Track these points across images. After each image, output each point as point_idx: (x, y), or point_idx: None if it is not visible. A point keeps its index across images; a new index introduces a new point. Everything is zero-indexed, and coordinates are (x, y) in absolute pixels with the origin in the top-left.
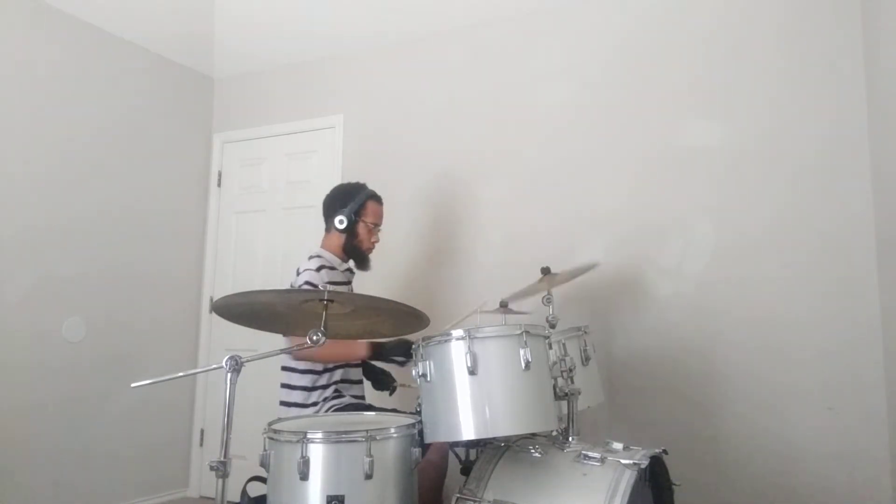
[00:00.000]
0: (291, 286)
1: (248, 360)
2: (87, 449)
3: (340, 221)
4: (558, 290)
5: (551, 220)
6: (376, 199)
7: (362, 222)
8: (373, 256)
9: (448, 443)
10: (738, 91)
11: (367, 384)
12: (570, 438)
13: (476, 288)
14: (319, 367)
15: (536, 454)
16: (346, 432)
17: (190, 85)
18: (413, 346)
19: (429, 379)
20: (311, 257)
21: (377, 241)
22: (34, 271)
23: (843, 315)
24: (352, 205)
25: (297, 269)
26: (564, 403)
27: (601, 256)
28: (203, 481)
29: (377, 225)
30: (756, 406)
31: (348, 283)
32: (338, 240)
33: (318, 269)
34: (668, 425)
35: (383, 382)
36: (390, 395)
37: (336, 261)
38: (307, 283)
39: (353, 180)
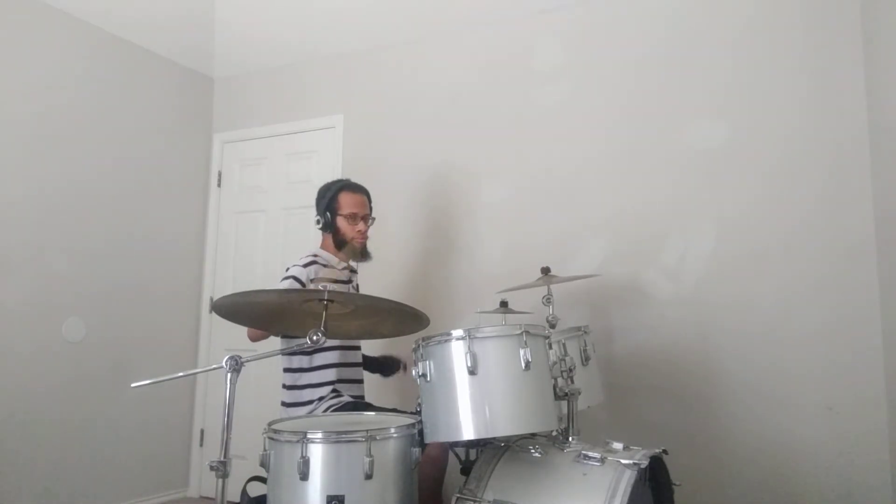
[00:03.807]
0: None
1: (248, 360)
2: (87, 449)
3: (318, 221)
4: (558, 290)
5: (552, 221)
6: (351, 188)
7: (339, 216)
8: (373, 252)
9: (448, 443)
10: (739, 95)
11: (368, 384)
12: (570, 438)
13: (476, 288)
14: (306, 364)
15: (536, 454)
16: (346, 432)
17: (190, 85)
18: (402, 363)
19: (429, 379)
20: (303, 256)
21: (363, 229)
22: (34, 272)
23: (842, 315)
24: (324, 202)
25: (287, 268)
26: (564, 403)
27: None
28: (203, 481)
29: (356, 214)
30: (756, 406)
31: (349, 282)
32: (329, 238)
33: (307, 265)
34: (668, 425)
35: (390, 367)
36: (405, 371)
37: (333, 260)
38: (293, 277)
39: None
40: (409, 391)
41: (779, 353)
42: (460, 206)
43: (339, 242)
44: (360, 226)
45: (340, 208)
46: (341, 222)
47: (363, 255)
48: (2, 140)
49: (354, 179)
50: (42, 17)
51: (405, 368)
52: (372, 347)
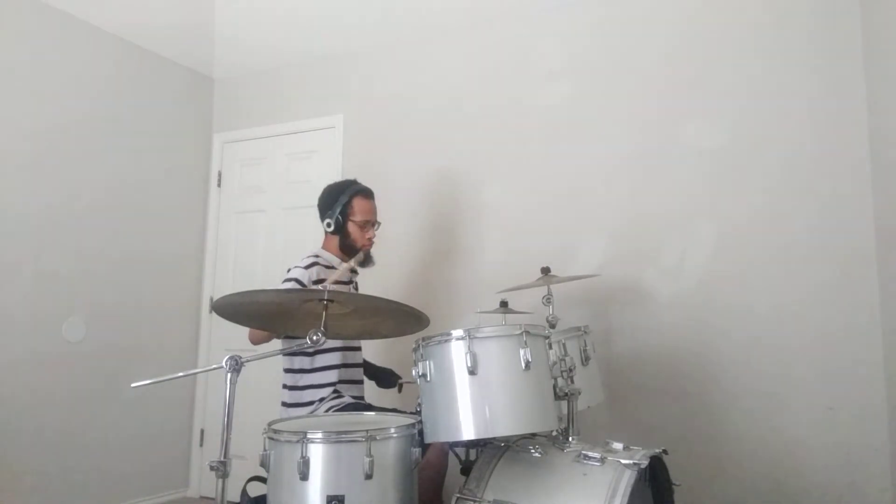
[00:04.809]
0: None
1: (248, 360)
2: (87, 449)
3: (328, 224)
4: (558, 290)
5: (551, 221)
6: (364, 194)
7: (351, 221)
8: (374, 255)
9: (448, 443)
10: (737, 90)
11: (368, 385)
12: (570, 438)
13: (476, 288)
14: (308, 365)
15: (536, 454)
16: (346, 432)
17: (190, 85)
18: (400, 381)
19: (429, 379)
20: (304, 257)
21: (372, 236)
22: (34, 272)
23: (842, 315)
24: (337, 206)
25: (288, 269)
26: (564, 403)
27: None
28: (203, 481)
29: (368, 221)
30: (756, 406)
31: (350, 282)
32: (334, 240)
33: (309, 266)
34: (668, 425)
35: (388, 380)
36: (399, 391)
37: (335, 260)
38: (294, 279)
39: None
40: (409, 391)
41: (779, 353)
42: (460, 205)
43: (346, 247)
44: (371, 233)
45: (353, 214)
46: (353, 228)
47: (368, 260)
48: (2, 141)
49: (357, 180)
50: (42, 18)
51: (400, 388)
52: (376, 352)
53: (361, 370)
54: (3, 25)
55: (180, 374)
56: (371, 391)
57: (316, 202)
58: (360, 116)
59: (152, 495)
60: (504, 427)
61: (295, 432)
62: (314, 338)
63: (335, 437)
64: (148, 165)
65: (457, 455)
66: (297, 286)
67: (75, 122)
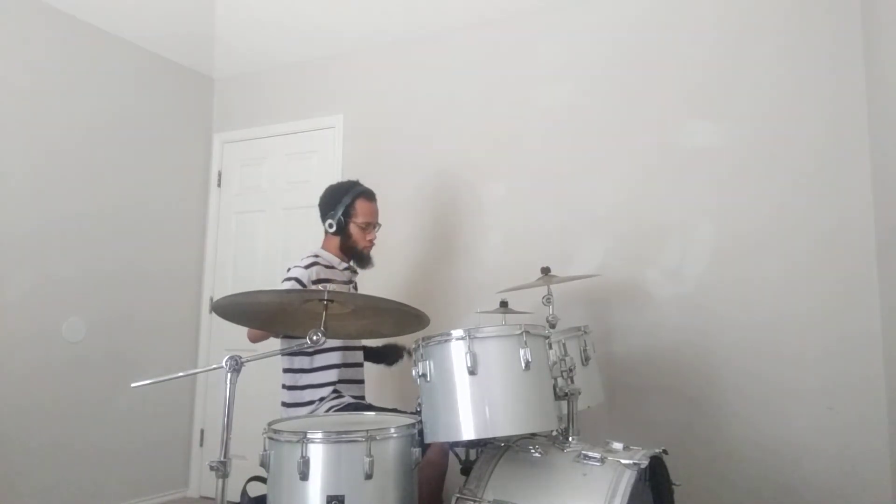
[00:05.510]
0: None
1: (248, 360)
2: (87, 449)
3: (330, 225)
4: (558, 290)
5: (552, 221)
6: (367, 196)
7: (353, 223)
8: (373, 256)
9: (448, 443)
10: (737, 92)
11: (368, 385)
12: (570, 438)
13: (476, 288)
14: (307, 365)
15: (536, 454)
16: (346, 432)
17: (190, 85)
18: (405, 349)
19: (429, 379)
20: (304, 257)
21: (373, 237)
22: (34, 271)
23: (842, 315)
24: (340, 206)
25: (288, 269)
26: (564, 403)
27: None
28: (203, 481)
29: (370, 223)
30: (756, 406)
31: (350, 282)
32: (335, 241)
33: (308, 266)
34: (668, 425)
35: (392, 355)
36: (410, 356)
37: (335, 260)
38: (294, 279)
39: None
40: (409, 391)
41: (779, 352)
42: (460, 205)
43: (347, 248)
44: (372, 234)
45: (356, 216)
46: (354, 230)
47: (367, 261)
48: (0, 140)
49: (359, 181)
50: (40, 16)
51: (410, 353)
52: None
53: (362, 370)
54: (3, 25)
55: (180, 374)
56: (371, 391)
57: (316, 202)
58: (360, 116)
59: (152, 495)
60: (504, 427)
61: (295, 432)
62: (314, 338)
63: (335, 437)
64: (148, 165)
65: (457, 455)
66: (297, 286)
67: (74, 122)
